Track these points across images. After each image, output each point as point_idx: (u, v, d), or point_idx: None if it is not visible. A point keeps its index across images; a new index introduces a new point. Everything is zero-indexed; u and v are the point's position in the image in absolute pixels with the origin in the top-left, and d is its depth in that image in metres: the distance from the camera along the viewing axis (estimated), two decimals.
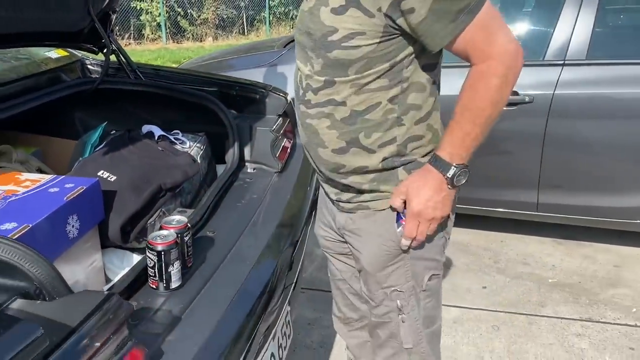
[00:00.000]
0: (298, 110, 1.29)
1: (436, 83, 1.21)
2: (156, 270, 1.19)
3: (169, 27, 11.70)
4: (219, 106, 1.91)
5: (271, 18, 12.93)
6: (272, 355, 1.44)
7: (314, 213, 1.77)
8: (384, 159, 1.21)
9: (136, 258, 1.54)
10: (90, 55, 2.18)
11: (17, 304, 0.93)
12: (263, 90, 2.08)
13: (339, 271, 1.54)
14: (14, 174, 1.41)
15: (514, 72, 1.07)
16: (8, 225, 1.12)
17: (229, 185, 1.77)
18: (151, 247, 1.18)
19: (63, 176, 1.39)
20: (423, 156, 1.23)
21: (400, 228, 1.23)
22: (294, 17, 13.30)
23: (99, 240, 1.44)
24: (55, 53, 2.05)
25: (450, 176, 1.13)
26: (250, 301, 1.27)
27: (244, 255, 1.42)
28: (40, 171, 1.61)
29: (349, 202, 1.31)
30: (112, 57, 2.08)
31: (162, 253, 1.18)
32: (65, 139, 1.99)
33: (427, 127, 1.21)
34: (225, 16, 12.63)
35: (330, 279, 1.60)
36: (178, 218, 1.29)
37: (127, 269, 1.49)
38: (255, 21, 13.16)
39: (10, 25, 1.51)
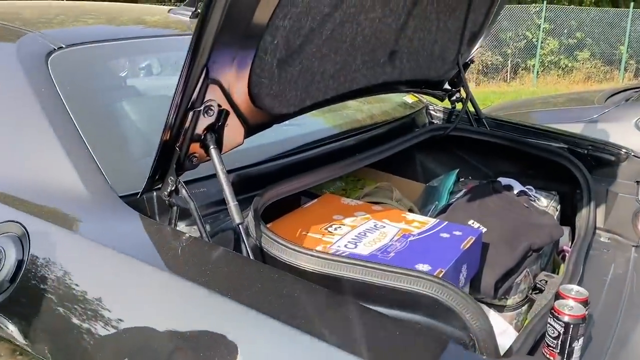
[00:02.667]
0: None
1: None
2: (559, 342, 1.11)
3: None
4: (577, 166, 1.79)
5: (539, 67, 12.34)
6: None
7: None
8: None
9: (493, 314, 1.50)
10: (433, 101, 2.27)
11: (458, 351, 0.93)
12: (620, 152, 1.90)
13: None
14: (400, 212, 1.50)
15: None
16: (422, 267, 1.17)
17: (587, 253, 1.62)
18: (557, 315, 1.11)
19: (446, 222, 1.43)
20: None
21: None
22: (564, 66, 12.50)
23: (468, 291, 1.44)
24: (409, 98, 2.19)
25: None
26: None
27: (633, 339, 1.26)
28: (412, 211, 1.70)
29: None
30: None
31: (571, 326, 1.09)
32: (407, 179, 2.09)
33: None
34: (489, 62, 12.49)
35: None
36: (578, 289, 1.19)
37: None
38: (521, 69, 12.71)
39: (404, 73, 1.63)
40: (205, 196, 1.22)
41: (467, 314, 0.96)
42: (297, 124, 1.84)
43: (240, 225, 1.03)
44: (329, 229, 1.35)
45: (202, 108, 0.98)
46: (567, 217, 1.83)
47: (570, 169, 1.80)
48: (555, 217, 1.69)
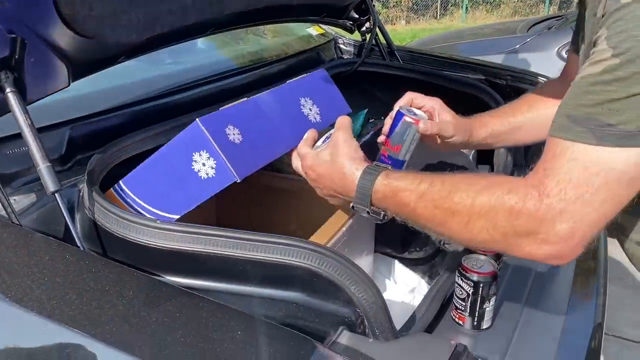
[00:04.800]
0: None
1: None
2: (468, 303, 0.95)
3: None
4: (495, 98, 1.63)
5: (467, 2, 12.22)
6: None
7: None
8: None
9: (403, 269, 1.35)
10: (343, 33, 2.03)
11: (346, 339, 0.75)
12: (540, 82, 1.75)
13: None
14: None
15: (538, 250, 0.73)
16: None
17: None
18: (465, 274, 0.95)
19: None
20: None
21: None
22: (492, 1, 12.45)
23: (374, 246, 1.27)
24: (314, 30, 1.93)
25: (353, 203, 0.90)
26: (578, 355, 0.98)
27: (549, 294, 1.13)
28: None
29: None
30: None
31: (480, 285, 0.94)
32: None
33: None
34: None
35: None
36: None
37: (394, 279, 1.31)
38: (450, 5, 12.58)
39: None
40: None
41: (353, 286, 0.77)
42: (178, 61, 1.57)
43: (57, 194, 0.78)
44: None
45: None
46: (486, 155, 1.68)
47: (488, 102, 1.64)
48: (470, 156, 1.52)
